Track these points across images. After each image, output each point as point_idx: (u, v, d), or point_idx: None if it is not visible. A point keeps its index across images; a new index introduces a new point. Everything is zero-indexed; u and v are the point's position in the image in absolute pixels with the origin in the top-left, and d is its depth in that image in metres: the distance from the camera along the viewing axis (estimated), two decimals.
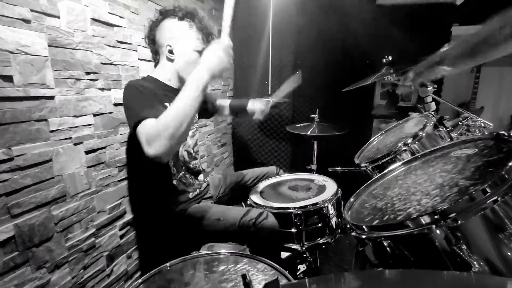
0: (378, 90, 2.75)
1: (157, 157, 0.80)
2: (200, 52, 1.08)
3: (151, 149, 0.79)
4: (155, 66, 1.16)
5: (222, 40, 0.87)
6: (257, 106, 1.38)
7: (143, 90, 0.97)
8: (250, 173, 1.47)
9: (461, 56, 0.76)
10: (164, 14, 1.09)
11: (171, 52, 1.07)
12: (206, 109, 1.42)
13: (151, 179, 1.15)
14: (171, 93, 1.07)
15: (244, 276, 0.30)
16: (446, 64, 0.82)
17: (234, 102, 1.47)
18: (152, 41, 1.12)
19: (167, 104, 1.03)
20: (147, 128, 0.83)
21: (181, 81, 1.12)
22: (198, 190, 1.23)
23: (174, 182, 1.14)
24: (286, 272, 0.79)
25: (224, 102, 1.48)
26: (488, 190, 0.51)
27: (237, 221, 1.05)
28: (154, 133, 0.80)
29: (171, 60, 1.09)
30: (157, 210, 1.17)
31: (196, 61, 1.04)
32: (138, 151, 0.85)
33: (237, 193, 1.42)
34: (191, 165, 1.22)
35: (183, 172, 1.17)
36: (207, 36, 1.09)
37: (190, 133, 1.22)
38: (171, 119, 0.79)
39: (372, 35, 2.28)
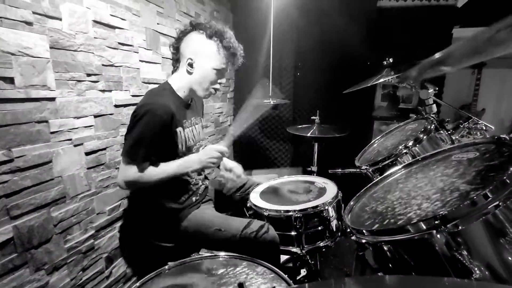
0: (379, 92, 2.75)
1: (119, 186, 1.04)
2: (219, 71, 1.10)
3: (118, 181, 1.03)
4: (173, 72, 1.18)
5: (219, 147, 1.07)
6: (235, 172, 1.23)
7: (154, 126, 0.99)
8: (251, 180, 1.46)
9: (464, 56, 0.76)
10: (194, 26, 1.10)
11: (191, 65, 1.09)
12: None
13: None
14: (181, 105, 1.13)
15: (240, 285, 0.30)
16: (449, 64, 0.81)
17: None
18: (176, 49, 1.13)
19: (178, 129, 1.07)
20: (130, 175, 1.00)
21: (191, 92, 1.14)
22: (198, 195, 1.23)
23: (176, 185, 1.14)
24: (286, 276, 0.79)
25: None
26: (489, 195, 0.50)
27: (239, 232, 1.05)
28: (134, 183, 1.01)
29: (189, 73, 1.11)
30: (157, 213, 1.17)
31: (212, 78, 1.11)
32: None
33: (238, 198, 1.41)
34: (192, 183, 1.21)
35: (185, 176, 1.18)
36: (231, 57, 1.11)
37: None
38: (153, 180, 1.02)
39: (373, 37, 2.28)
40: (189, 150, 1.14)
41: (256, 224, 1.08)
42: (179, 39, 1.12)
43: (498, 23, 0.57)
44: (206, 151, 1.07)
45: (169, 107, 1.03)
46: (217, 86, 1.14)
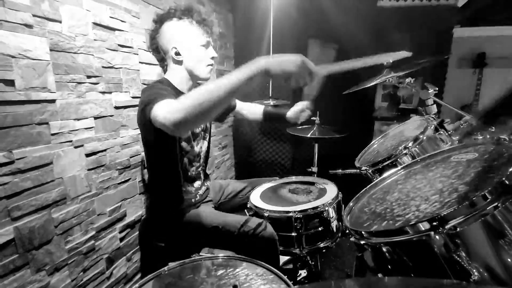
0: (379, 92, 2.74)
1: (177, 123, 0.72)
2: (205, 46, 1.08)
3: (172, 116, 0.72)
4: (164, 72, 1.16)
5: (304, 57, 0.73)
6: (297, 109, 1.34)
7: (160, 86, 0.98)
8: (252, 184, 1.46)
9: None
10: (161, 19, 1.08)
11: (177, 54, 1.07)
12: (227, 111, 1.41)
13: (159, 182, 1.17)
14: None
15: (235, 287, 0.30)
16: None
17: (270, 110, 1.44)
18: (156, 50, 1.11)
19: None
20: (168, 103, 0.79)
21: (193, 79, 1.13)
22: (198, 197, 1.23)
23: (180, 186, 1.15)
24: (285, 277, 0.79)
25: (256, 108, 1.46)
26: (488, 196, 0.50)
27: (236, 229, 1.05)
28: (180, 104, 0.73)
29: (179, 62, 1.08)
30: (159, 212, 1.18)
31: (204, 56, 1.08)
32: (154, 152, 0.94)
33: (238, 202, 1.41)
34: (189, 173, 1.21)
35: (187, 177, 1.18)
36: (209, 28, 1.09)
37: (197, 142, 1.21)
38: (205, 92, 0.71)
39: (373, 37, 2.28)
40: (188, 139, 1.13)
41: (254, 221, 1.07)
42: (153, 39, 1.10)
43: None
44: (285, 56, 0.71)
45: (166, 89, 1.02)
46: (210, 61, 1.12)
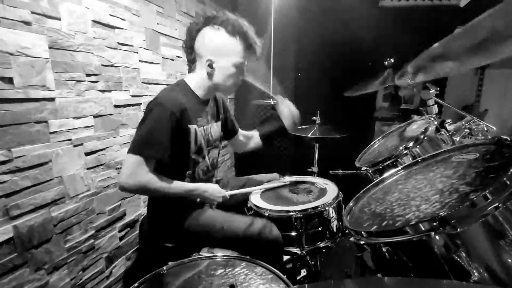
0: (380, 92, 2.73)
1: (123, 189, 0.94)
2: (239, 67, 1.05)
3: (124, 180, 0.92)
4: (189, 72, 1.11)
5: (225, 195, 1.14)
6: (289, 114, 1.31)
7: (168, 125, 0.94)
8: (252, 180, 1.45)
9: (467, 50, 0.70)
10: (206, 21, 1.02)
11: (211, 66, 1.02)
12: (230, 132, 1.38)
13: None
14: (197, 103, 1.08)
15: (232, 287, 0.30)
16: (450, 58, 0.75)
17: (265, 130, 1.40)
18: (190, 48, 1.05)
19: (191, 126, 1.02)
20: (140, 175, 0.93)
21: (211, 91, 1.10)
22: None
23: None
24: (285, 277, 0.78)
25: (250, 133, 1.42)
26: (489, 196, 0.49)
27: (241, 231, 1.04)
28: (138, 184, 0.93)
29: (210, 74, 1.04)
30: (162, 213, 1.17)
31: (235, 77, 1.06)
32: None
33: (238, 199, 1.41)
34: (207, 179, 1.20)
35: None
36: (251, 51, 1.06)
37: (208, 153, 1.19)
38: (154, 190, 0.96)
39: (374, 37, 2.27)
40: (200, 150, 1.10)
41: (259, 222, 1.06)
42: (192, 37, 1.03)
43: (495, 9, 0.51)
44: (214, 191, 1.11)
45: (180, 102, 0.98)
46: (239, 82, 1.10)
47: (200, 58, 1.04)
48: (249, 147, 1.44)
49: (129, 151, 0.92)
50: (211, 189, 1.10)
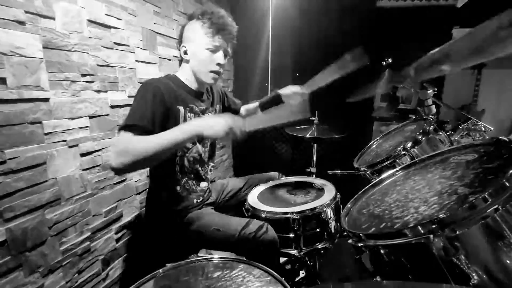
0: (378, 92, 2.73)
1: (116, 169, 0.82)
2: (212, 51, 1.06)
3: (116, 161, 0.81)
4: (179, 67, 1.16)
5: (233, 118, 0.89)
6: (292, 89, 1.35)
7: (151, 95, 0.93)
8: (251, 180, 1.45)
9: (463, 55, 0.73)
10: (189, 17, 1.09)
11: (185, 53, 1.08)
12: (233, 112, 1.40)
13: (157, 183, 1.15)
14: (189, 94, 1.11)
15: None
16: (447, 62, 0.78)
17: (264, 99, 1.43)
18: (179, 44, 1.13)
19: (179, 107, 1.03)
20: (124, 141, 0.85)
21: (198, 81, 1.12)
22: (201, 198, 1.21)
23: (178, 188, 1.12)
24: (283, 279, 0.78)
25: (252, 105, 1.45)
26: (488, 198, 0.49)
27: (237, 232, 1.03)
28: (127, 151, 0.81)
29: (187, 61, 1.10)
30: (159, 214, 1.16)
31: (208, 60, 1.06)
32: None
33: (239, 199, 1.40)
34: (201, 174, 1.19)
35: (186, 178, 1.15)
36: (220, 32, 1.05)
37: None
38: (146, 151, 0.82)
39: (372, 37, 2.27)
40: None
41: (255, 224, 1.06)
42: (180, 37, 1.11)
43: (497, 18, 0.54)
44: (208, 119, 0.93)
45: (168, 84, 1.02)
46: (215, 67, 1.07)
47: (180, 50, 1.10)
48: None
49: (119, 129, 0.88)
50: (211, 120, 0.89)
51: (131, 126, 0.86)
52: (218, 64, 1.07)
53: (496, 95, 3.01)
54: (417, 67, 0.88)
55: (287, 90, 1.35)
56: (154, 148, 0.82)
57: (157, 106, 0.94)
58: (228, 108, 1.39)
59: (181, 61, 1.14)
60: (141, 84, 0.99)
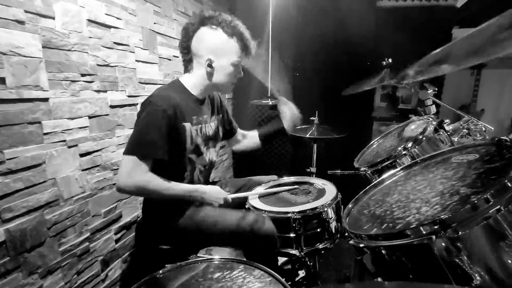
0: (378, 92, 2.74)
1: (121, 190, 0.94)
2: (236, 66, 1.08)
3: (122, 181, 0.92)
4: (185, 72, 1.11)
5: (227, 197, 1.11)
6: (290, 114, 1.33)
7: (163, 123, 0.94)
8: (251, 181, 1.44)
9: (462, 55, 0.73)
10: (202, 21, 1.03)
11: (210, 66, 1.04)
12: (229, 132, 1.39)
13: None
14: (193, 102, 1.09)
15: None
16: (447, 63, 0.79)
17: (264, 130, 1.40)
18: (186, 48, 1.06)
19: (185, 124, 1.02)
20: (146, 180, 0.94)
21: (209, 90, 1.12)
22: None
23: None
24: (283, 280, 0.77)
25: (250, 133, 1.42)
26: (490, 199, 0.49)
27: (234, 225, 1.03)
28: (135, 184, 0.93)
29: (209, 73, 1.06)
30: (156, 213, 1.16)
31: (233, 74, 1.09)
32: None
33: (237, 201, 1.39)
34: (202, 178, 1.19)
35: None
36: (247, 50, 1.09)
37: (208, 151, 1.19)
38: (157, 194, 0.97)
39: (372, 37, 2.27)
40: (197, 149, 1.10)
41: (252, 216, 1.05)
42: (188, 37, 1.05)
43: (496, 20, 0.55)
44: (216, 192, 1.09)
45: (174, 99, 0.99)
46: (236, 80, 1.12)
47: (198, 58, 1.05)
48: (247, 147, 1.44)
49: (125, 153, 0.93)
50: (211, 191, 1.08)
51: (139, 155, 0.92)
52: (239, 78, 1.13)
53: (495, 95, 3.02)
54: (417, 67, 0.89)
55: (287, 123, 1.33)
56: (163, 195, 0.98)
57: (166, 132, 0.96)
58: (224, 123, 1.33)
59: (190, 67, 1.09)
60: (147, 103, 0.95)
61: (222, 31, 1.03)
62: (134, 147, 0.92)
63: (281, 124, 1.34)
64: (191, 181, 1.12)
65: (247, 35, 1.07)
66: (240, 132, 1.42)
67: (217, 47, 1.03)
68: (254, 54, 1.13)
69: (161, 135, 0.94)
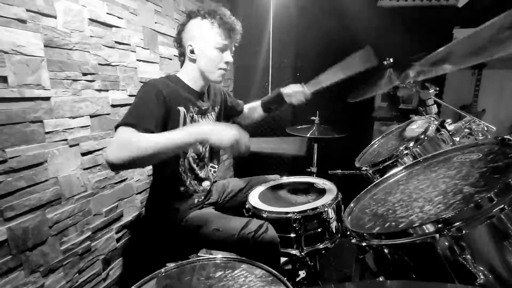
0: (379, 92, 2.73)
1: (112, 164, 0.78)
2: (221, 49, 1.07)
3: (115, 154, 0.78)
4: (181, 67, 1.15)
5: (241, 132, 0.87)
6: (294, 89, 1.35)
7: (153, 96, 0.94)
8: (253, 181, 1.44)
9: (464, 55, 0.73)
10: (189, 15, 1.08)
11: (192, 51, 1.06)
12: (235, 113, 1.42)
13: (160, 182, 1.15)
14: (190, 94, 1.09)
15: None
16: (449, 63, 0.79)
17: (266, 98, 1.43)
18: (179, 44, 1.11)
19: (180, 108, 1.02)
20: (125, 135, 0.82)
21: (204, 80, 1.12)
22: (202, 197, 1.21)
23: (181, 188, 1.12)
24: (285, 279, 0.77)
25: (254, 104, 1.45)
26: (494, 198, 0.49)
27: (237, 232, 1.03)
28: (127, 146, 0.79)
29: (193, 60, 1.08)
30: (159, 213, 1.16)
31: (218, 58, 1.07)
32: None
33: (239, 200, 1.39)
34: (200, 174, 1.19)
35: (189, 179, 1.15)
36: (229, 32, 1.07)
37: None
38: (146, 149, 0.80)
39: (373, 37, 2.27)
40: None
41: (255, 223, 1.05)
42: (179, 33, 1.10)
43: (497, 20, 0.55)
44: (222, 129, 0.86)
45: (168, 84, 1.01)
46: (223, 65, 1.10)
47: (184, 49, 1.09)
48: (254, 119, 1.47)
49: (117, 125, 0.85)
50: (215, 128, 0.85)
51: (132, 124, 0.83)
52: (226, 62, 1.10)
53: (496, 95, 3.01)
54: (419, 67, 0.89)
55: (289, 89, 1.35)
56: (156, 146, 0.80)
57: (159, 107, 0.94)
58: (230, 109, 1.38)
59: (183, 60, 1.13)
60: (142, 84, 0.99)
61: (203, 19, 1.05)
62: (127, 118, 0.87)
63: (280, 91, 1.36)
64: (185, 167, 1.12)
65: (228, 16, 1.08)
66: (246, 106, 1.46)
67: (197, 33, 1.06)
68: (239, 35, 1.12)
69: (154, 109, 0.92)
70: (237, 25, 1.10)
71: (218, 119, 1.26)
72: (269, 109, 1.43)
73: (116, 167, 0.79)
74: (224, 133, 0.84)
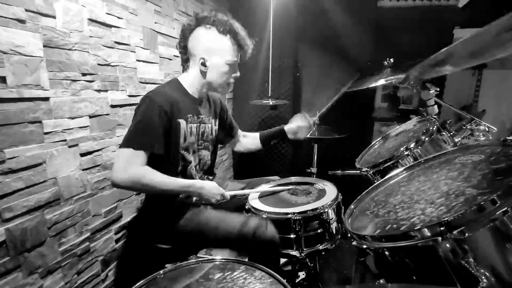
0: (379, 92, 2.73)
1: (117, 186, 0.93)
2: (232, 65, 1.09)
3: (117, 175, 0.91)
4: (183, 71, 1.15)
5: (224, 194, 1.09)
6: (299, 124, 1.35)
7: (157, 117, 0.96)
8: (252, 183, 1.44)
9: (464, 57, 0.73)
10: (198, 21, 1.06)
11: (204, 64, 1.06)
12: (227, 135, 1.40)
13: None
14: (190, 101, 1.11)
15: None
16: (450, 64, 0.79)
17: (266, 132, 1.41)
18: (183, 48, 1.09)
19: (180, 120, 1.03)
20: (137, 171, 0.92)
21: (205, 89, 1.13)
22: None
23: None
24: (284, 281, 0.77)
25: (251, 135, 1.44)
26: (497, 200, 0.48)
27: (236, 229, 1.02)
28: (139, 182, 0.93)
29: (203, 72, 1.08)
30: (156, 213, 1.15)
31: (229, 73, 1.10)
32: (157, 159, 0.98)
33: (237, 203, 1.39)
34: (195, 177, 1.19)
35: None
36: (243, 48, 1.10)
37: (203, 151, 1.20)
38: (155, 190, 0.96)
39: (373, 37, 2.27)
40: (190, 146, 1.10)
41: (254, 221, 1.05)
42: (185, 37, 1.08)
43: (498, 22, 0.55)
44: (213, 188, 1.06)
45: (170, 96, 1.01)
46: (232, 80, 1.13)
47: (193, 57, 1.08)
48: (248, 148, 1.46)
49: (121, 146, 0.94)
50: (208, 186, 1.05)
51: (137, 148, 0.92)
52: (235, 77, 1.13)
53: (496, 95, 3.01)
54: (420, 68, 0.89)
55: (294, 125, 1.35)
56: (158, 189, 0.96)
57: (162, 126, 0.98)
58: (224, 126, 1.35)
59: (186, 66, 1.12)
60: (144, 98, 0.99)
61: (216, 30, 1.04)
62: (130, 140, 0.93)
63: (283, 128, 1.36)
64: (190, 175, 1.12)
65: (242, 34, 1.08)
66: (241, 133, 1.43)
67: (210, 46, 1.05)
68: (250, 53, 1.13)
69: (156, 129, 0.96)
70: (249, 41, 1.11)
71: (215, 130, 1.25)
72: (268, 143, 1.43)
73: (117, 187, 0.95)
74: (213, 194, 1.06)
